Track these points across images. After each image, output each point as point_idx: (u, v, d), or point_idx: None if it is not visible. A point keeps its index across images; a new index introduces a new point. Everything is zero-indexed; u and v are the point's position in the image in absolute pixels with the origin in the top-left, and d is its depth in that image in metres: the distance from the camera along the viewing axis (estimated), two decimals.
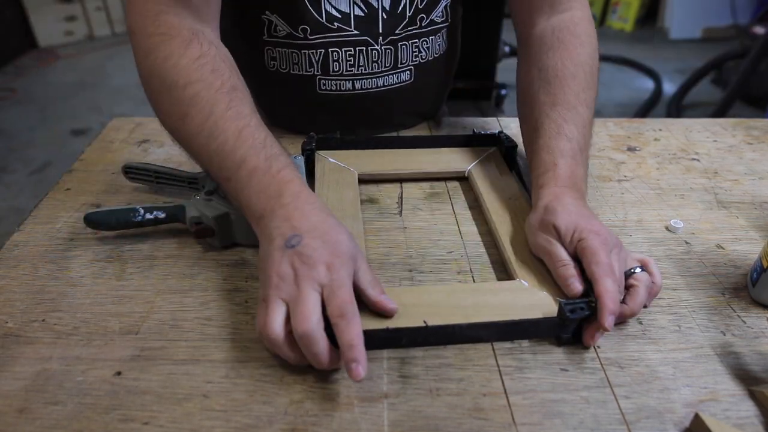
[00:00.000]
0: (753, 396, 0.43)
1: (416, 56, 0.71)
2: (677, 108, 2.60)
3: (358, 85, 0.70)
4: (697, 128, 0.83)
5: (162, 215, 0.56)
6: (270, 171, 0.48)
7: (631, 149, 0.77)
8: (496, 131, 0.71)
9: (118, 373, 0.44)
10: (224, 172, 0.50)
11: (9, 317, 0.49)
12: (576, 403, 0.42)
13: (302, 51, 0.67)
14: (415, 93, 0.75)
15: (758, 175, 0.72)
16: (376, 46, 0.67)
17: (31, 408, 0.41)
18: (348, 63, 0.68)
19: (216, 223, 0.54)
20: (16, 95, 2.88)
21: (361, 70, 0.69)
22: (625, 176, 0.71)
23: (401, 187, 0.68)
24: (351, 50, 0.67)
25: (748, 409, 0.42)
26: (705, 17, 3.63)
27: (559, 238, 0.50)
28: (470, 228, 0.61)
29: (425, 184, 0.68)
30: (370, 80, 0.70)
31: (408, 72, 0.72)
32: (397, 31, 0.67)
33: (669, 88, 2.85)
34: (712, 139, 0.80)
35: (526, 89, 0.63)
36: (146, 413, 0.41)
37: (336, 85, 0.70)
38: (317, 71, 0.69)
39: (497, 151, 0.71)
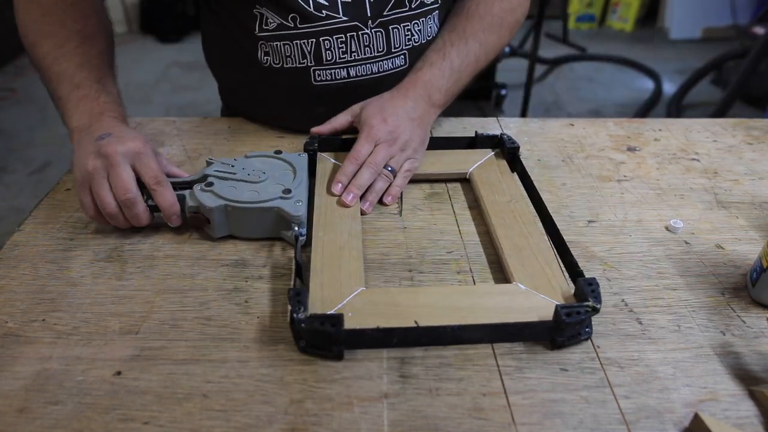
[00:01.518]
0: (753, 396, 0.43)
1: (409, 40, 0.71)
2: (677, 108, 2.60)
3: (353, 72, 0.70)
4: (697, 128, 0.83)
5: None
6: (98, 99, 0.61)
7: (630, 149, 0.77)
8: (498, 133, 0.71)
9: (118, 373, 0.44)
10: (60, 91, 0.62)
11: (9, 317, 0.49)
12: (576, 402, 0.42)
13: (294, 42, 0.67)
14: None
15: (758, 175, 0.72)
16: (366, 30, 0.67)
17: (31, 408, 0.41)
18: (340, 50, 0.68)
19: (213, 214, 0.55)
20: (16, 95, 2.88)
21: (354, 56, 0.69)
22: (625, 176, 0.71)
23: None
24: (342, 37, 0.67)
25: (747, 409, 0.42)
26: (705, 17, 3.63)
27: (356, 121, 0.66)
28: (470, 228, 0.61)
29: (425, 184, 0.68)
30: (364, 66, 0.70)
31: (402, 57, 0.72)
32: (385, 13, 0.68)
33: (669, 88, 2.85)
34: (712, 139, 0.80)
35: (445, 21, 0.74)
36: (146, 413, 0.41)
37: (330, 74, 0.70)
38: (311, 62, 0.69)
39: (500, 152, 0.71)
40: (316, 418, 0.41)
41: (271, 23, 0.66)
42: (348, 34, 0.67)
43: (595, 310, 0.46)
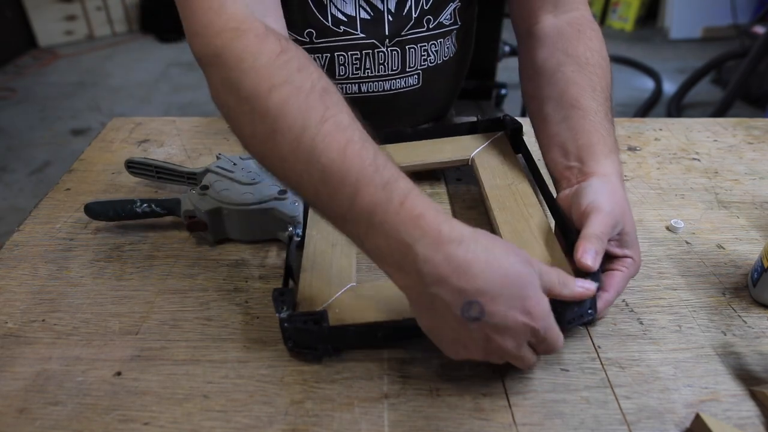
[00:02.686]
0: (754, 396, 0.43)
1: (425, 60, 0.70)
2: (677, 108, 2.59)
3: (364, 88, 0.69)
4: (698, 128, 0.83)
5: (158, 208, 0.58)
6: (392, 204, 0.38)
7: (631, 149, 0.77)
8: (500, 115, 0.70)
9: (118, 374, 0.44)
10: (336, 209, 0.40)
11: (9, 317, 0.49)
12: (577, 403, 0.42)
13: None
14: (422, 97, 0.74)
15: (759, 174, 0.72)
16: (383, 48, 0.67)
17: (31, 408, 0.41)
18: (354, 66, 0.67)
19: (209, 217, 0.55)
20: (16, 95, 2.88)
21: (368, 72, 0.68)
22: (625, 176, 0.71)
23: None
24: (357, 53, 0.66)
25: (749, 409, 0.42)
26: (705, 17, 3.62)
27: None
28: None
29: (425, 184, 0.68)
30: (376, 83, 0.70)
31: (416, 76, 0.71)
32: (403, 33, 0.67)
33: (669, 87, 2.85)
34: (712, 139, 0.80)
35: (554, 69, 0.58)
36: (146, 413, 0.41)
37: (341, 88, 0.69)
38: None
39: (503, 135, 0.70)
40: (316, 419, 0.40)
41: None
42: (364, 52, 0.66)
43: (597, 282, 0.44)
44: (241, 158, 0.62)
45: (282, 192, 0.57)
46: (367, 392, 0.43)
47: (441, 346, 0.41)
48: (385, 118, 0.74)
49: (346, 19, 0.64)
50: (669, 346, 0.47)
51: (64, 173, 0.70)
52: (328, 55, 0.66)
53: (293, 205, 0.55)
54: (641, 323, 0.49)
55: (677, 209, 0.65)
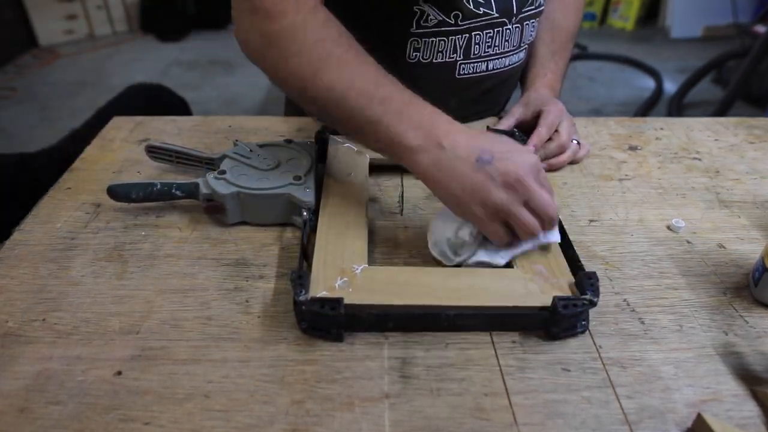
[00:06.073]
0: (755, 396, 0.43)
1: (531, 35, 0.76)
2: (678, 107, 2.59)
3: (490, 66, 0.73)
4: (699, 127, 0.83)
5: (177, 191, 0.60)
6: (414, 104, 0.51)
7: (632, 148, 0.77)
8: (511, 130, 0.71)
9: (119, 373, 0.44)
10: (369, 113, 0.51)
11: (9, 317, 0.49)
12: (578, 403, 0.42)
13: (450, 37, 0.69)
14: (520, 72, 0.81)
15: (760, 174, 0.72)
16: (509, 26, 0.70)
17: (31, 408, 0.41)
18: (486, 44, 0.70)
19: (226, 201, 0.57)
20: (16, 94, 2.88)
21: (496, 50, 0.72)
22: (626, 175, 0.71)
23: (402, 186, 0.68)
24: (491, 32, 0.69)
25: (750, 409, 0.42)
26: (706, 16, 3.62)
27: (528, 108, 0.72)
28: None
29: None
30: (501, 60, 0.73)
31: (524, 51, 0.77)
32: (524, 10, 0.71)
33: (670, 87, 2.85)
34: (713, 138, 0.80)
35: (538, 30, 0.78)
36: (147, 413, 0.41)
37: (473, 67, 0.72)
38: (459, 56, 0.71)
39: None
40: (317, 419, 0.40)
41: (431, 20, 0.67)
42: (495, 30, 0.70)
43: (592, 304, 0.46)
44: (258, 145, 0.65)
45: (297, 178, 0.59)
46: (367, 392, 0.43)
47: (452, 204, 0.50)
48: (496, 95, 0.81)
49: (483, 1, 0.67)
50: (670, 345, 0.47)
51: (65, 172, 0.70)
52: (467, 35, 0.69)
53: (306, 191, 0.58)
54: (642, 323, 0.49)
55: (678, 209, 0.65)
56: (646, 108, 2.66)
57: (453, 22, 0.67)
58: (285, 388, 0.43)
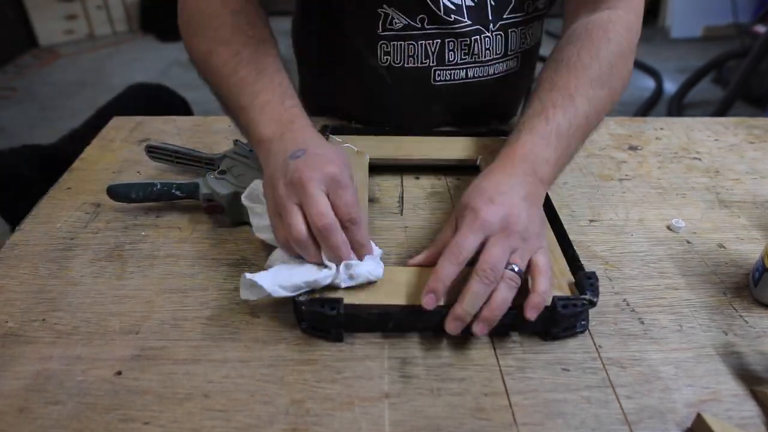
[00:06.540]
0: (755, 396, 0.43)
1: (523, 43, 0.73)
2: (678, 107, 2.59)
3: (471, 74, 0.71)
4: (699, 127, 0.83)
5: (177, 191, 0.60)
6: (283, 104, 0.55)
7: (632, 148, 0.77)
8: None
9: (119, 373, 0.44)
10: (242, 100, 0.56)
11: (9, 317, 0.49)
12: (577, 403, 0.42)
13: (419, 42, 0.68)
14: (519, 79, 0.77)
15: (760, 174, 0.72)
16: (488, 34, 0.69)
17: (31, 408, 0.41)
18: (462, 52, 0.69)
19: (226, 201, 0.57)
20: (16, 94, 2.88)
21: (475, 58, 0.70)
22: (626, 175, 0.71)
23: (402, 186, 0.68)
24: (466, 40, 0.68)
25: (750, 409, 0.42)
26: (706, 16, 3.62)
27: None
28: None
29: (426, 183, 0.68)
30: (482, 68, 0.71)
31: (515, 59, 0.74)
32: (505, 16, 0.69)
33: (670, 87, 2.85)
34: (713, 138, 0.80)
35: (539, 76, 0.60)
36: (147, 413, 0.41)
37: (450, 74, 0.71)
38: (432, 62, 0.70)
39: None
40: (317, 418, 0.40)
41: (396, 23, 0.67)
42: (472, 38, 0.68)
43: (592, 304, 0.46)
44: None
45: None
46: (367, 392, 0.43)
47: (270, 192, 0.50)
48: (484, 103, 0.77)
49: (454, 8, 0.66)
50: (670, 345, 0.47)
51: (65, 172, 0.70)
52: (439, 41, 0.68)
53: None
54: (642, 323, 0.49)
55: (678, 209, 0.65)
56: (646, 108, 2.66)
57: (420, 26, 0.66)
58: (285, 387, 0.43)
